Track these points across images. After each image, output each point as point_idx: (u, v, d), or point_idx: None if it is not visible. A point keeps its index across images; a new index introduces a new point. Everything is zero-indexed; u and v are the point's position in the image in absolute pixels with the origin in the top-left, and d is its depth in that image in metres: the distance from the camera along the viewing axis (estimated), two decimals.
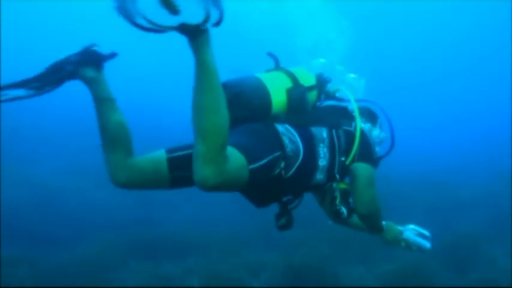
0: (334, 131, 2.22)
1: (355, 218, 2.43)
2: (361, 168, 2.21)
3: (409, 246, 2.51)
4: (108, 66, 1.93)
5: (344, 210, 2.29)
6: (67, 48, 1.86)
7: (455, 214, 7.85)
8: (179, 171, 1.92)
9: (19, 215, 5.89)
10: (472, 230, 6.94)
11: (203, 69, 1.55)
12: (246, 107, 2.00)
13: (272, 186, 1.99)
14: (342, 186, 2.28)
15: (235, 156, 1.70)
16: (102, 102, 1.90)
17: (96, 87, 1.91)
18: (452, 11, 23.48)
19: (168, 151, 1.95)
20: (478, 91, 25.96)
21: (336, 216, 2.31)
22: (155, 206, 7.29)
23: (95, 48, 1.89)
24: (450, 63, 26.28)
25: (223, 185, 1.61)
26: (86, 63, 1.88)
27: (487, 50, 25.64)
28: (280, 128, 2.03)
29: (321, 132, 2.18)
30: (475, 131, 19.85)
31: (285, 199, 2.24)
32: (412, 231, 2.51)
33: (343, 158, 2.23)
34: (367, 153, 2.26)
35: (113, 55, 1.93)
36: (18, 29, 23.07)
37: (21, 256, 5.35)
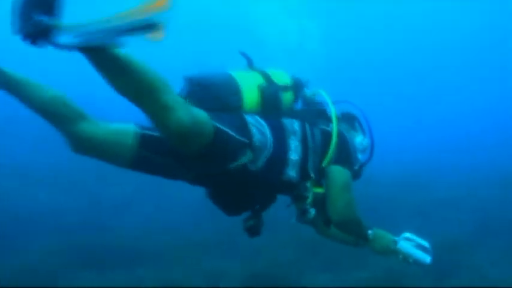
0: (307, 125, 2.15)
1: (335, 230, 2.35)
2: (337, 171, 2.14)
3: (405, 258, 2.31)
4: None
5: (312, 211, 2.20)
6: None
7: (439, 218, 7.55)
8: (148, 150, 1.85)
9: None
10: (455, 235, 6.62)
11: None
12: (216, 100, 1.93)
13: (241, 182, 1.93)
14: (318, 190, 2.18)
15: (195, 108, 1.75)
16: (13, 89, 1.76)
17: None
18: (440, 8, 23.45)
19: (140, 127, 1.87)
20: (467, 89, 26.19)
21: (302, 215, 2.23)
22: (105, 209, 6.87)
23: None
24: (437, 63, 26.27)
25: (195, 126, 1.66)
26: None
27: (472, 50, 25.63)
28: (248, 118, 1.96)
29: (292, 124, 2.10)
30: (462, 132, 19.80)
31: (257, 207, 2.17)
32: (408, 242, 2.30)
33: (316, 152, 2.13)
34: (345, 157, 2.19)
35: None
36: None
37: None
